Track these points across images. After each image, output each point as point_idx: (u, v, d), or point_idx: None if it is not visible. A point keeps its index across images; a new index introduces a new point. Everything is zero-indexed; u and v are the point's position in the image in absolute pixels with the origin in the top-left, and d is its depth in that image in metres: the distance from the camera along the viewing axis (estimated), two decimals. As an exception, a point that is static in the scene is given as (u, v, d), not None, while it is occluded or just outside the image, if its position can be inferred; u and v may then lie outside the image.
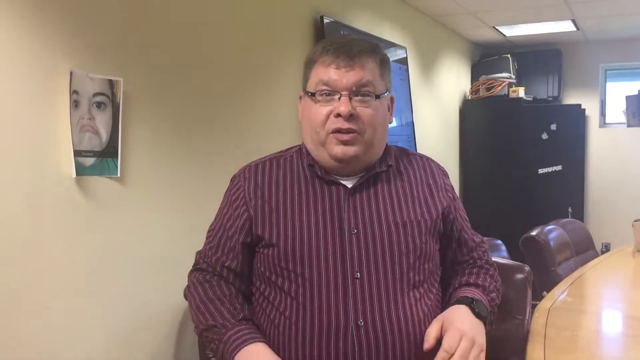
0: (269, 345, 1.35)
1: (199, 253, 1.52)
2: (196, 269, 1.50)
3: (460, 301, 1.39)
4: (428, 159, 1.53)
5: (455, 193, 1.53)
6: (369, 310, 1.31)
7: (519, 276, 2.41)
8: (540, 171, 5.46)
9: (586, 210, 5.94)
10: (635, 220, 3.41)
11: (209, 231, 1.50)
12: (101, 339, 2.04)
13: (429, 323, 1.36)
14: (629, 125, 5.88)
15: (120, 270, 2.11)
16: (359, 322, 1.30)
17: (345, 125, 1.33)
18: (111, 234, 2.06)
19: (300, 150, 1.47)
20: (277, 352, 1.35)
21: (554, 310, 2.25)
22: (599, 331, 2.16)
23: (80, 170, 1.89)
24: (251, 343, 1.32)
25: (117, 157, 2.02)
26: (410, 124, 4.41)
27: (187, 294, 1.49)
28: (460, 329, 1.28)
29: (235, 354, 1.31)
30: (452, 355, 1.25)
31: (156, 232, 2.27)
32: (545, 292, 2.60)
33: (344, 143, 1.35)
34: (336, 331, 1.31)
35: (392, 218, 1.38)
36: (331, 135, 1.35)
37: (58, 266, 1.87)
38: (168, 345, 2.34)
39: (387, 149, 1.47)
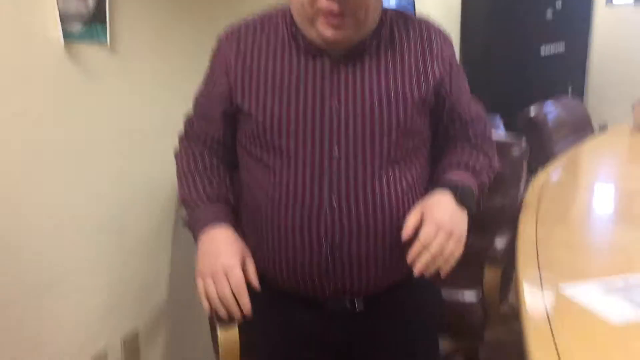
0: (242, 224, 1.37)
1: (186, 119, 1.49)
2: (184, 134, 1.49)
3: (444, 185, 1.34)
4: (428, 23, 1.40)
5: (455, 62, 1.42)
6: (344, 191, 1.28)
7: (515, 151, 2.43)
8: (543, 50, 5.34)
9: (586, 90, 5.89)
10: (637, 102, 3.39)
11: (195, 97, 1.47)
12: (92, 214, 2.04)
13: (407, 201, 1.33)
14: (635, 3, 5.69)
15: (114, 143, 2.08)
16: (333, 203, 1.28)
17: (336, 8, 1.21)
18: (103, 104, 2.02)
19: (285, 16, 1.36)
20: (255, 229, 1.36)
21: (548, 185, 2.28)
22: (591, 204, 2.20)
23: (69, 37, 1.82)
24: (216, 226, 1.33)
25: (105, 22, 1.94)
26: (410, 1, 4.26)
27: (175, 158, 1.50)
28: (438, 219, 1.25)
29: (199, 234, 1.34)
30: (428, 247, 1.22)
31: (149, 102, 2.22)
32: (540, 168, 2.62)
33: (335, 27, 1.24)
34: (309, 210, 1.29)
35: (377, 93, 1.30)
36: (321, 17, 1.24)
37: (48, 138, 1.84)
38: (166, 220, 2.37)
39: (382, 15, 1.34)
